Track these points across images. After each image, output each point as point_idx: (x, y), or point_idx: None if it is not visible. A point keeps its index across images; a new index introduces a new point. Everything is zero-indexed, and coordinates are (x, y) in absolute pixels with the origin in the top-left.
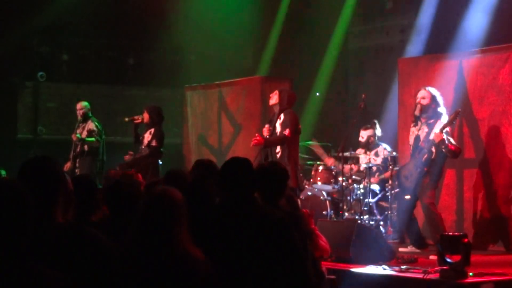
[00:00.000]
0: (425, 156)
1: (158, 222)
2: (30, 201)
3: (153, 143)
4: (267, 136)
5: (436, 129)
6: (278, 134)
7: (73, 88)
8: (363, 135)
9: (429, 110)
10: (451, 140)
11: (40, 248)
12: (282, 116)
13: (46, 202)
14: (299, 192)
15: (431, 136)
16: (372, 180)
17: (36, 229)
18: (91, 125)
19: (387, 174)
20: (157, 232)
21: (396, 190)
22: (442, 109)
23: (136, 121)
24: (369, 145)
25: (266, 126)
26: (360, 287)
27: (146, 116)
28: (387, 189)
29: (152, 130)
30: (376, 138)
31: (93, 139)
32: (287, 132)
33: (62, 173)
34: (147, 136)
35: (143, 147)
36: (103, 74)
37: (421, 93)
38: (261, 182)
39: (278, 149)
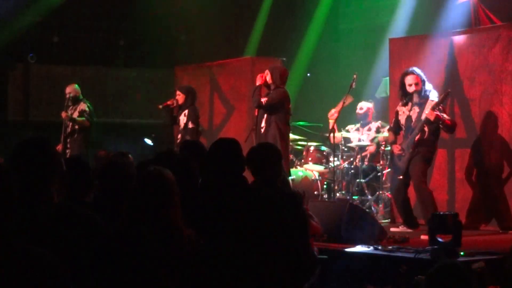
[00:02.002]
0: (418, 136)
1: (151, 201)
2: (13, 181)
3: (190, 125)
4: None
5: (427, 109)
6: None
7: (63, 69)
8: (363, 106)
9: (421, 92)
10: (445, 115)
11: (36, 228)
12: (272, 91)
13: (41, 182)
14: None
15: (423, 116)
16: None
17: (32, 210)
18: (83, 106)
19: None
20: (151, 211)
21: (388, 170)
22: (429, 86)
23: (172, 106)
24: (366, 118)
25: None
26: (352, 267)
27: (181, 97)
28: (378, 169)
29: (186, 111)
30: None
31: (83, 118)
32: (263, 100)
33: (57, 154)
34: (183, 119)
35: (181, 129)
36: (94, 56)
37: (411, 79)
38: (255, 164)
39: (263, 124)
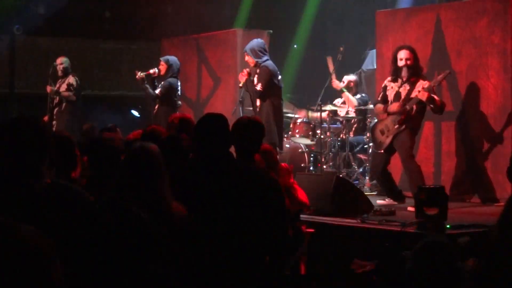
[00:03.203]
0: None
1: (138, 175)
2: None
3: (157, 92)
4: (244, 80)
5: (419, 87)
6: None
7: (49, 41)
8: (344, 79)
9: (413, 69)
10: (435, 96)
11: (27, 207)
12: (257, 70)
13: (32, 161)
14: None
15: (413, 94)
16: (350, 133)
17: (23, 189)
18: (71, 79)
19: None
20: (138, 185)
21: None
22: (420, 65)
23: (153, 75)
24: (350, 91)
25: (246, 70)
26: (339, 240)
27: (163, 68)
28: (365, 141)
29: (162, 82)
30: (359, 87)
31: (70, 93)
32: (259, 86)
33: (47, 132)
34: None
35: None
36: (80, 27)
37: (404, 53)
38: (236, 137)
39: (258, 103)
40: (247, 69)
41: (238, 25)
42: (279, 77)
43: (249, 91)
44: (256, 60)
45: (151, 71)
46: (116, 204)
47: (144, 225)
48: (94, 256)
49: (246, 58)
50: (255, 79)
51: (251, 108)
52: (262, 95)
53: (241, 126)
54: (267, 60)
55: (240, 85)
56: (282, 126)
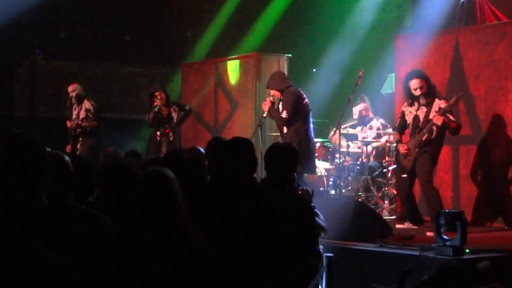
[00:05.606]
0: (425, 136)
1: (152, 201)
2: (13, 185)
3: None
4: (267, 109)
5: (436, 108)
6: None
7: (70, 65)
8: (355, 111)
9: (428, 94)
10: (451, 117)
11: (27, 229)
12: (282, 97)
13: (29, 183)
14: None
15: (431, 116)
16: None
17: (22, 211)
18: (87, 104)
19: (382, 143)
20: (154, 211)
21: (394, 167)
22: (433, 84)
23: (158, 105)
24: (364, 120)
25: (269, 99)
26: (357, 264)
27: (163, 98)
28: (384, 166)
29: (175, 107)
30: (371, 111)
31: (89, 122)
32: (284, 114)
33: (45, 153)
34: (175, 115)
35: (173, 124)
36: (100, 52)
37: (415, 83)
38: (268, 162)
39: (285, 130)
40: (270, 98)
41: (257, 49)
42: (305, 101)
43: (274, 119)
44: (279, 89)
45: (157, 104)
46: (127, 230)
47: (152, 253)
48: (100, 280)
49: (272, 93)
50: (280, 106)
51: (271, 134)
52: (288, 122)
53: (274, 151)
54: (289, 86)
55: (264, 114)
56: (308, 150)
